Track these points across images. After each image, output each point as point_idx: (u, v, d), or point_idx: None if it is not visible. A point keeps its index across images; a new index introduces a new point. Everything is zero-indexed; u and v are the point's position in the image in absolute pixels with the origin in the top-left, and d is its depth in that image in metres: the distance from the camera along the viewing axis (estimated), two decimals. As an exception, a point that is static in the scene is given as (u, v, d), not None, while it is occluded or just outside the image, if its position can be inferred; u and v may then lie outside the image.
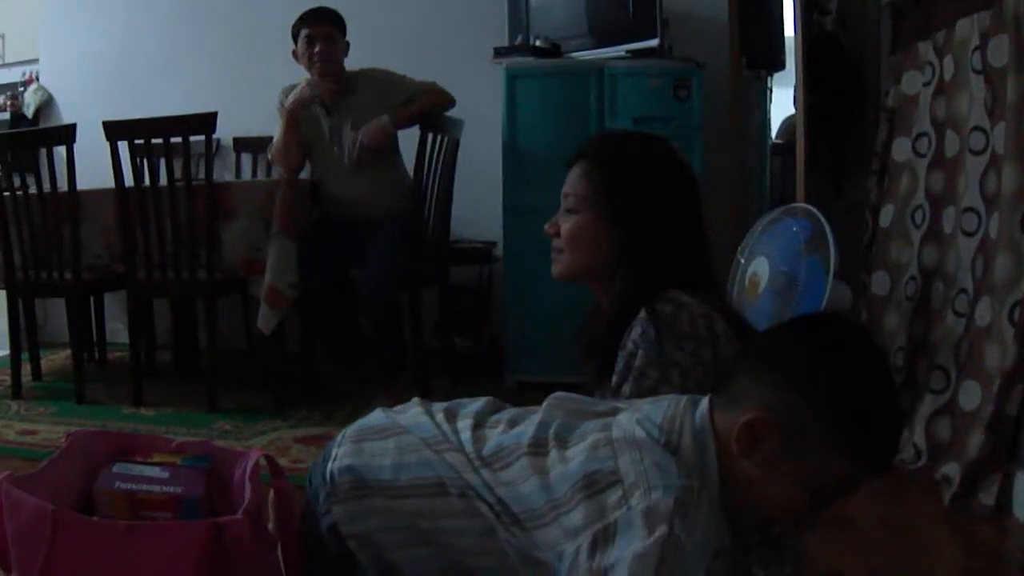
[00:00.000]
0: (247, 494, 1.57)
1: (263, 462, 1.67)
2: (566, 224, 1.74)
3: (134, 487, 1.64)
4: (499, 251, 4.31)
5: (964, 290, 2.94)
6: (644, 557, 1.19)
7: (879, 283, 3.41)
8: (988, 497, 2.60)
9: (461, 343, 4.38)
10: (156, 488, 1.64)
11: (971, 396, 2.77)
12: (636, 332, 1.58)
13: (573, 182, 1.75)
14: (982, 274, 2.83)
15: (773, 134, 4.73)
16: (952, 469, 2.75)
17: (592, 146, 1.77)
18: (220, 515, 1.60)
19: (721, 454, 1.32)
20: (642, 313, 1.59)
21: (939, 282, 3.12)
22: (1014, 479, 2.60)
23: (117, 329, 4.83)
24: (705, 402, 1.37)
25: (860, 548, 2.34)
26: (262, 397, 3.76)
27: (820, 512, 1.36)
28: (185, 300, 4.24)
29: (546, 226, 1.79)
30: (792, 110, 5.09)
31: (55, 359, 4.65)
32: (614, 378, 1.62)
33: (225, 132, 3.70)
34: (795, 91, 5.03)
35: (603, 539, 1.24)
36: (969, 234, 2.94)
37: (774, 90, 4.57)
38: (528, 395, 3.89)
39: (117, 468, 1.68)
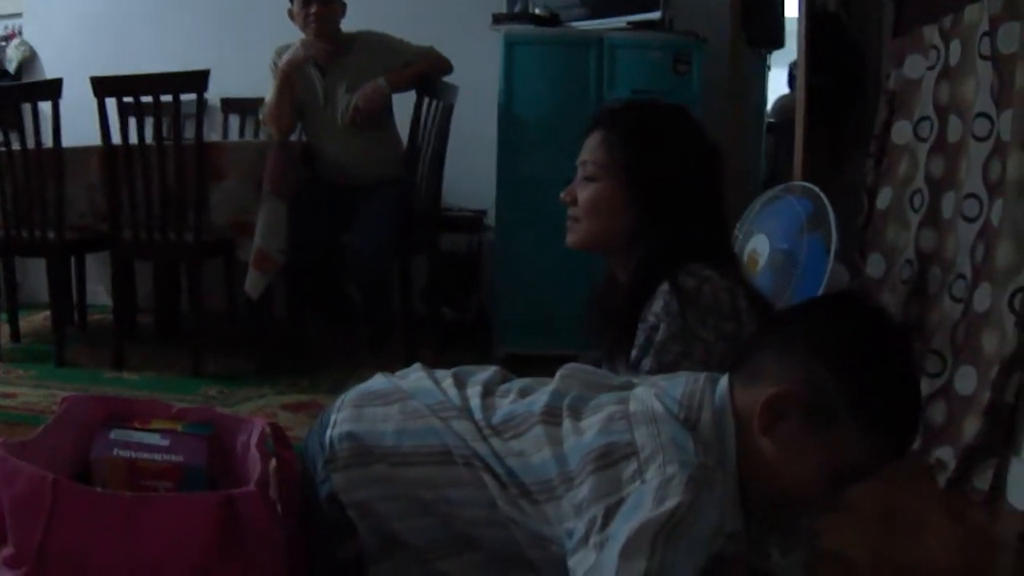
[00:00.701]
0: (255, 464, 1.51)
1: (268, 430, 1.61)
2: (584, 192, 1.67)
3: (133, 455, 1.56)
4: (489, 220, 4.25)
5: (962, 275, 2.91)
6: (643, 528, 1.15)
7: (874, 265, 3.38)
8: (983, 482, 2.60)
9: (449, 313, 4.31)
10: (157, 456, 1.56)
11: (967, 381, 2.75)
12: (658, 305, 1.53)
13: (592, 149, 1.68)
14: (982, 260, 2.80)
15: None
16: (946, 453, 2.74)
17: (612, 113, 1.71)
18: (219, 485, 1.54)
19: (740, 432, 1.28)
20: (664, 285, 1.54)
21: (936, 267, 3.09)
22: (1009, 465, 2.59)
23: (96, 291, 4.72)
24: (725, 379, 1.33)
25: (860, 530, 2.32)
26: (246, 362, 3.68)
27: (836, 496, 1.32)
28: (170, 262, 4.13)
29: (562, 194, 1.72)
30: (785, 89, 5.06)
31: (33, 320, 4.53)
32: (633, 352, 1.57)
33: (213, 92, 3.59)
34: (790, 70, 5.01)
35: (615, 512, 1.20)
36: (970, 220, 2.91)
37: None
38: (518, 368, 3.83)
39: (115, 434, 1.60)
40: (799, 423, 1.26)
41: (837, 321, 1.31)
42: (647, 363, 1.53)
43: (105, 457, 1.56)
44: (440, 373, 1.56)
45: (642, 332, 1.56)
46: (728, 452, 1.27)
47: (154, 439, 1.59)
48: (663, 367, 1.50)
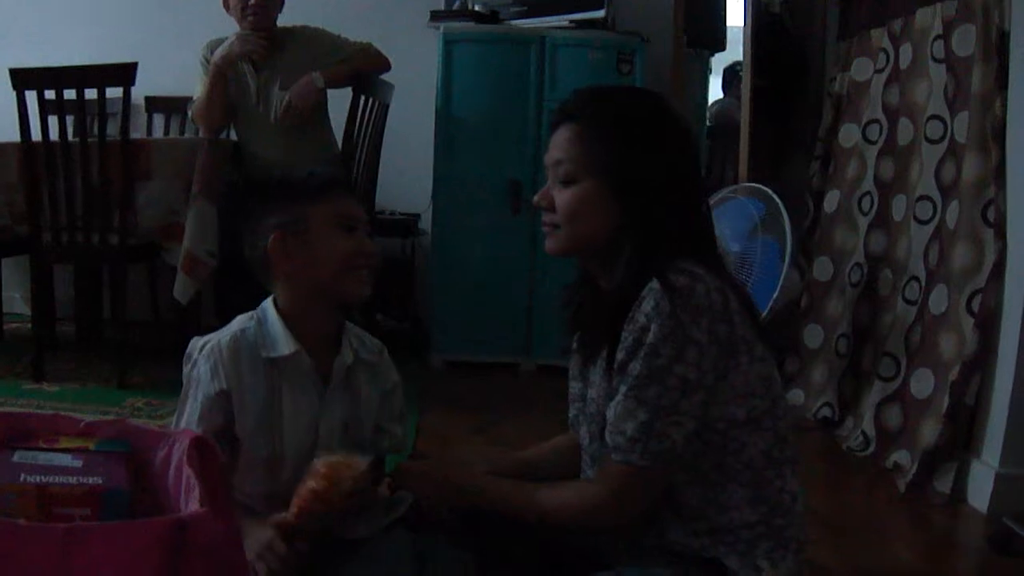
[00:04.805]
0: (183, 482, 1.24)
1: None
2: (562, 196, 1.41)
3: (43, 479, 1.28)
4: (423, 223, 4.00)
5: (916, 278, 2.78)
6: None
7: (821, 268, 3.23)
8: (944, 485, 2.49)
9: (383, 319, 4.04)
10: (71, 479, 1.29)
11: (924, 384, 2.63)
12: (648, 304, 1.30)
13: (565, 147, 1.41)
14: (936, 262, 2.67)
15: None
16: (903, 456, 2.62)
17: (582, 104, 1.44)
18: (139, 507, 1.29)
19: (276, 297, 1.56)
20: (654, 283, 1.31)
21: (887, 269, 2.96)
22: (970, 468, 2.49)
23: (11, 299, 4.34)
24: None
25: (827, 536, 2.20)
26: (174, 372, 3.32)
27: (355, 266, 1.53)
28: (93, 267, 3.79)
29: (536, 198, 1.46)
30: (721, 95, 4.91)
31: (-59, 330, 4.12)
32: (619, 354, 1.33)
33: (136, 90, 3.28)
34: (725, 75, 4.87)
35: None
36: (923, 222, 2.78)
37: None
38: (455, 375, 3.66)
39: (18, 457, 1.32)
40: (293, 243, 1.51)
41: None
42: (635, 366, 1.31)
43: (11, 484, 1.27)
44: None
45: (630, 333, 1.32)
46: (263, 313, 1.55)
47: (65, 460, 1.31)
48: (653, 370, 1.29)
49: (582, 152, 1.39)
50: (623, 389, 1.31)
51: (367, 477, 1.40)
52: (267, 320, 1.54)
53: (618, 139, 1.38)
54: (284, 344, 1.51)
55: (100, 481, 1.30)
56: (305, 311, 1.54)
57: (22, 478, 1.28)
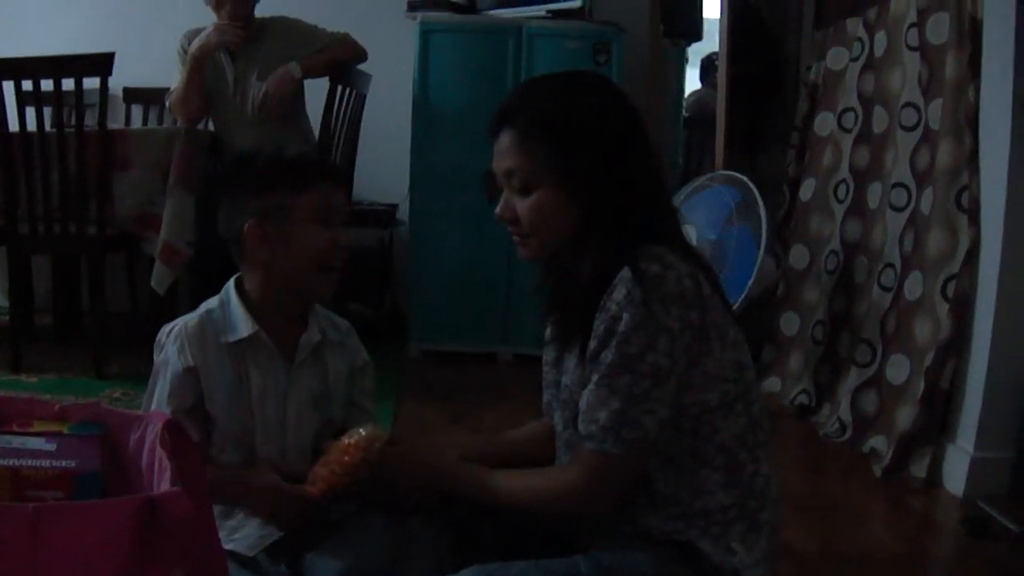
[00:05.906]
0: (156, 463, 1.23)
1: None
2: (523, 206, 1.37)
3: (17, 462, 1.27)
4: (401, 214, 3.98)
5: (891, 264, 2.79)
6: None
7: (798, 256, 3.24)
8: (920, 470, 2.50)
9: (360, 310, 4.03)
10: (44, 463, 1.27)
11: (900, 370, 2.64)
12: (620, 293, 1.28)
13: (513, 155, 1.37)
14: (912, 249, 2.67)
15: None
16: (879, 442, 2.62)
17: (519, 108, 1.38)
18: (111, 488, 1.28)
19: (241, 280, 1.55)
20: (625, 272, 1.29)
21: (863, 256, 2.97)
22: (945, 452, 2.50)
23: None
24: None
25: (805, 521, 2.20)
26: (151, 363, 3.30)
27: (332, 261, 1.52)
28: (71, 257, 3.76)
29: (497, 211, 1.42)
30: (699, 85, 4.92)
31: (-81, 321, 4.08)
32: (591, 343, 1.32)
33: (114, 82, 3.25)
34: (703, 65, 4.88)
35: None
36: (898, 209, 2.79)
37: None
38: (432, 365, 3.65)
39: (-8, 440, 1.31)
40: (273, 231, 1.48)
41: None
42: (607, 355, 1.29)
43: (-17, 468, 1.26)
44: None
45: (601, 322, 1.30)
46: (224, 297, 1.54)
47: (39, 444, 1.30)
48: (625, 359, 1.27)
49: (530, 160, 1.35)
50: (595, 378, 1.30)
51: (392, 443, 1.44)
52: (229, 303, 1.54)
53: (563, 141, 1.33)
54: (244, 326, 1.51)
55: (73, 464, 1.28)
56: (271, 295, 1.54)
57: (-5, 462, 1.27)
